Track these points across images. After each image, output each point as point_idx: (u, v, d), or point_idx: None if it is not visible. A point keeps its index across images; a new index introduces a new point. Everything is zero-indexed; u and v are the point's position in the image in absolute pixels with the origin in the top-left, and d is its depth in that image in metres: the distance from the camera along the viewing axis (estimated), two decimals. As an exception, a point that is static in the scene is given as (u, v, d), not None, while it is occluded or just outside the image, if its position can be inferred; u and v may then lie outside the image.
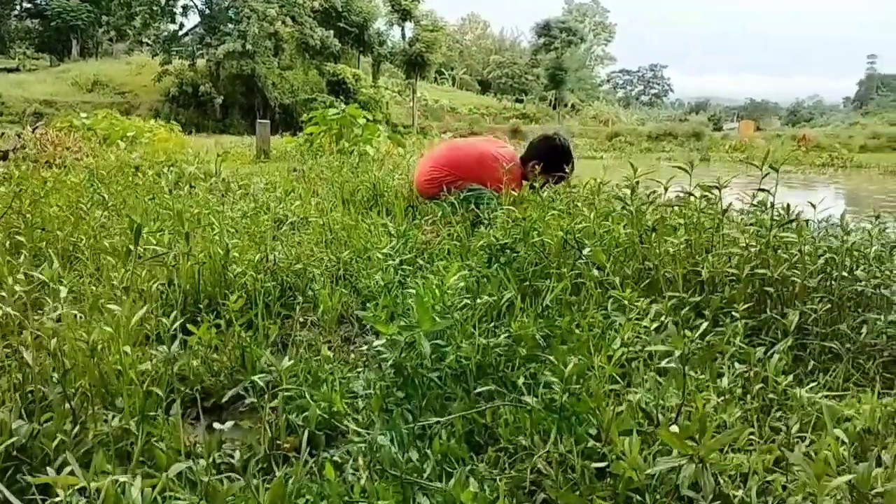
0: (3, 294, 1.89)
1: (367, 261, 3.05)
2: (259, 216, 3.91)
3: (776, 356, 1.70)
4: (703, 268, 2.16)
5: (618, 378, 1.73)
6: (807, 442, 1.42)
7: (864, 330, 1.97)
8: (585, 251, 2.42)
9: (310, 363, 1.87)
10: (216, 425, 1.47)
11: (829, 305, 1.99)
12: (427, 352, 1.58)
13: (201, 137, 21.80)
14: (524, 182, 3.84)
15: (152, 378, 1.77)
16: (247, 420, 1.79)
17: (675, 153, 18.81)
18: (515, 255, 2.62)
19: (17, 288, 1.84)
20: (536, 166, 3.93)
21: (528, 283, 2.54)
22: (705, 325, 1.78)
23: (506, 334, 1.89)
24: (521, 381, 1.69)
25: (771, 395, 1.64)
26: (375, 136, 9.87)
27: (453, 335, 1.79)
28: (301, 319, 2.50)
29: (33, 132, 9.54)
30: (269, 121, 10.31)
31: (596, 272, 2.27)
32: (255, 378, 1.71)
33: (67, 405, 1.46)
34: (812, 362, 1.87)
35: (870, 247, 2.18)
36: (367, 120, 9.97)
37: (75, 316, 1.91)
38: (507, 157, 4.02)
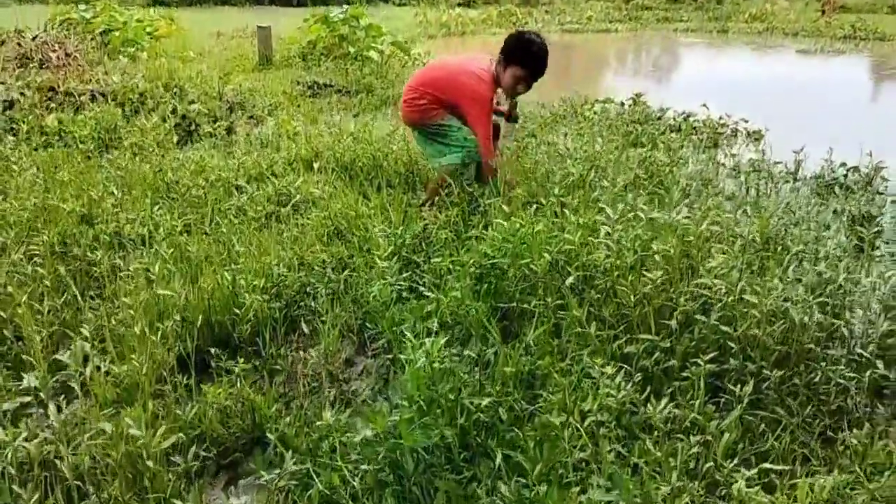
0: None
1: (367, 255, 3.21)
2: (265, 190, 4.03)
3: (725, 436, 1.90)
4: (674, 315, 2.32)
5: (587, 445, 1.93)
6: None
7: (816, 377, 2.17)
8: (569, 280, 2.57)
9: (310, 435, 2.09)
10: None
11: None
12: (410, 468, 1.79)
13: (199, 12, 21.13)
14: (496, 98, 3.82)
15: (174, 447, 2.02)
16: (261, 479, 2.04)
17: (693, 24, 18.02)
18: (503, 274, 2.77)
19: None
20: (516, 72, 3.69)
21: (514, 304, 2.72)
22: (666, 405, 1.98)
23: (489, 397, 2.09)
24: (499, 459, 1.91)
25: (717, 477, 1.86)
26: (379, 40, 9.62)
27: (440, 413, 1.99)
28: (303, 347, 2.72)
29: (34, 40, 9.40)
30: (269, 25, 10.02)
31: (575, 312, 2.43)
32: (260, 462, 1.94)
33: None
34: (762, 425, 2.06)
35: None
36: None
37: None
38: (486, 77, 3.76)
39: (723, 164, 5.07)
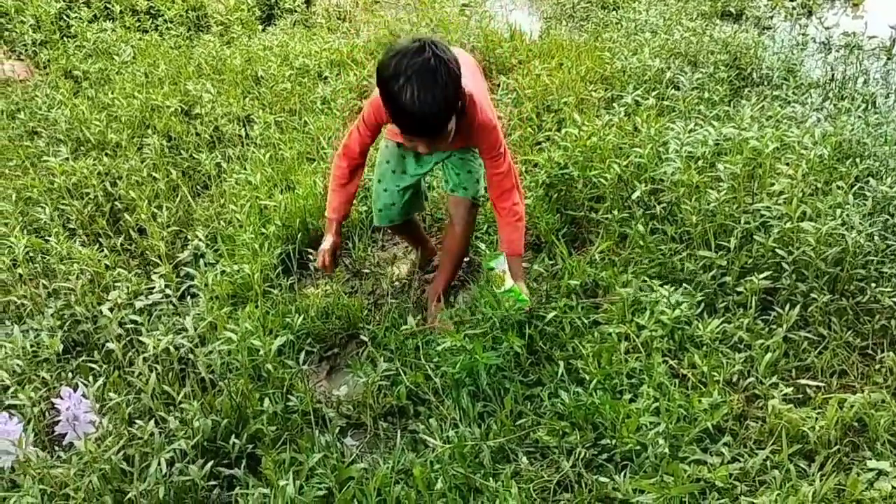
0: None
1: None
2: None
3: (767, 355, 2.12)
4: (734, 233, 2.47)
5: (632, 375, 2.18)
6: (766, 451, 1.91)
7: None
8: (635, 194, 2.72)
9: (398, 336, 2.42)
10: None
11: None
12: (484, 374, 2.10)
13: None
14: None
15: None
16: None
17: None
18: (573, 183, 2.93)
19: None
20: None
21: (582, 214, 2.90)
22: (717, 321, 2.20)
23: (554, 311, 2.35)
24: (561, 368, 2.20)
25: (756, 391, 2.10)
26: None
27: (510, 326, 2.28)
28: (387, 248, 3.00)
29: None
30: None
31: (641, 228, 2.61)
32: (357, 365, 2.30)
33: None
34: (805, 343, 2.26)
35: None
36: None
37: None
38: None
39: (813, 40, 4.87)
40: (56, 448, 2.06)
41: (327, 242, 2.41)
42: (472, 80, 2.18)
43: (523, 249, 2.40)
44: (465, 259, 2.82)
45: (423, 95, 1.84)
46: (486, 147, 2.24)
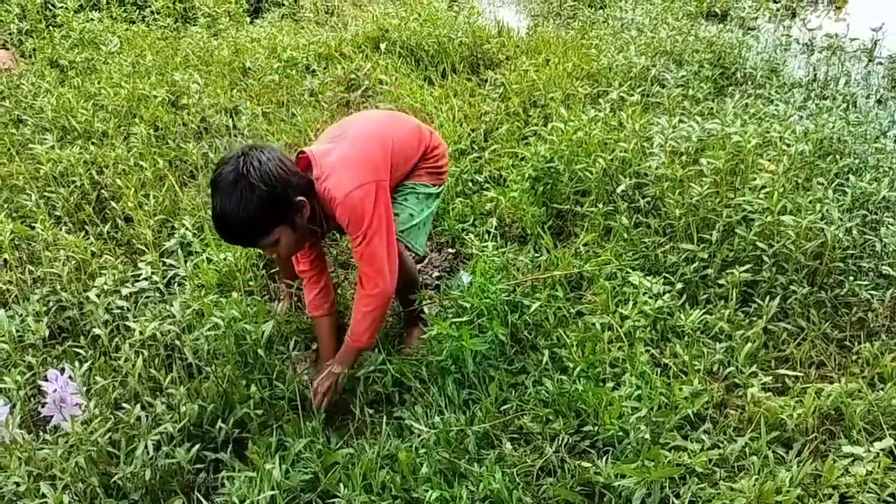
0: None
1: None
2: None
3: (747, 345, 2.16)
4: (716, 226, 2.51)
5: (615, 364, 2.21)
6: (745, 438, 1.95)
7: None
8: (620, 188, 2.76)
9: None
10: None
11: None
12: (469, 361, 2.12)
13: None
14: None
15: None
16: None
17: None
18: (558, 177, 2.96)
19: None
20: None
21: (567, 207, 2.94)
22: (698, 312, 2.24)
23: (538, 302, 2.38)
24: (545, 356, 2.23)
25: (737, 380, 2.14)
26: None
27: (495, 314, 2.30)
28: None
29: None
30: None
31: (625, 221, 2.64)
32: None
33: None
34: (784, 335, 2.30)
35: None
36: None
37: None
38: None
39: (796, 41, 4.94)
40: (42, 431, 2.07)
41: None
42: (355, 147, 2.13)
43: (363, 342, 2.21)
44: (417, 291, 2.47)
45: (220, 208, 1.87)
46: (350, 226, 2.08)
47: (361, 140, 2.17)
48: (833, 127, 3.01)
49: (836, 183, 2.69)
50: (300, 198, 1.98)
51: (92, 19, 5.03)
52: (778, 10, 5.66)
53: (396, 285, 2.22)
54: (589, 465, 1.89)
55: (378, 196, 2.07)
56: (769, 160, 2.70)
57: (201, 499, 1.89)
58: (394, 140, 2.23)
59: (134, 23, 5.22)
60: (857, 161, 2.86)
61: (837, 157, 2.86)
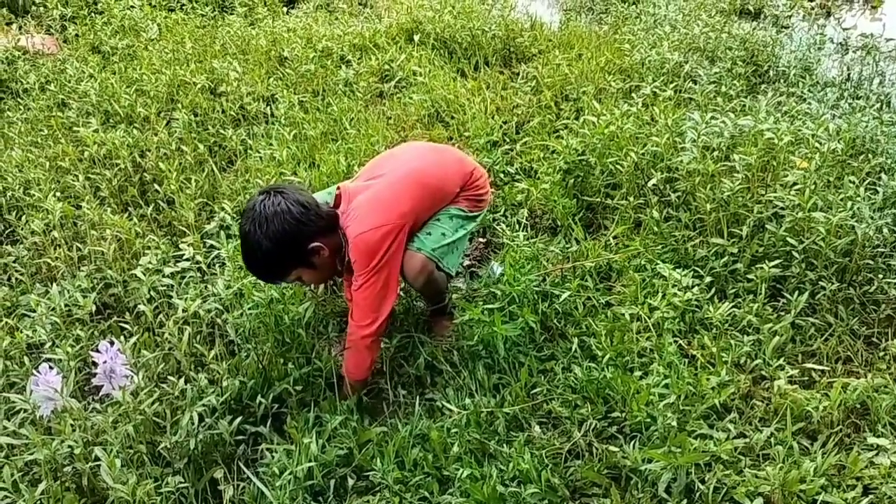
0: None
1: (465, 140, 3.47)
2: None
3: (775, 339, 2.20)
4: (746, 222, 2.54)
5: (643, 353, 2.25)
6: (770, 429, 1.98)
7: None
8: (651, 182, 2.79)
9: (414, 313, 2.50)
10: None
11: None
12: (500, 346, 2.18)
13: None
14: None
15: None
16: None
17: None
18: (590, 169, 3.00)
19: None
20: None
21: (598, 199, 2.98)
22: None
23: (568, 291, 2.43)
24: (574, 344, 2.28)
25: (763, 373, 2.18)
26: None
27: (526, 301, 2.36)
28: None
29: None
30: None
31: (655, 214, 2.68)
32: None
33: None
34: (811, 329, 2.33)
35: None
36: None
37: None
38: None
39: (830, 40, 4.92)
40: (92, 400, 2.16)
41: None
42: (390, 188, 2.19)
43: (352, 377, 2.22)
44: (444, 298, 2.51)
45: (242, 255, 2.08)
46: (355, 265, 2.12)
47: (397, 181, 2.22)
48: (866, 126, 3.01)
49: (867, 182, 2.71)
50: (315, 244, 2.06)
51: (132, 7, 5.14)
52: (812, 8, 5.62)
53: (424, 295, 2.42)
54: (616, 449, 1.95)
55: (390, 239, 2.11)
56: (801, 157, 2.71)
57: (243, 467, 1.97)
58: (435, 178, 2.30)
59: (173, 10, 5.32)
60: (889, 160, 2.87)
61: (870, 156, 2.87)
